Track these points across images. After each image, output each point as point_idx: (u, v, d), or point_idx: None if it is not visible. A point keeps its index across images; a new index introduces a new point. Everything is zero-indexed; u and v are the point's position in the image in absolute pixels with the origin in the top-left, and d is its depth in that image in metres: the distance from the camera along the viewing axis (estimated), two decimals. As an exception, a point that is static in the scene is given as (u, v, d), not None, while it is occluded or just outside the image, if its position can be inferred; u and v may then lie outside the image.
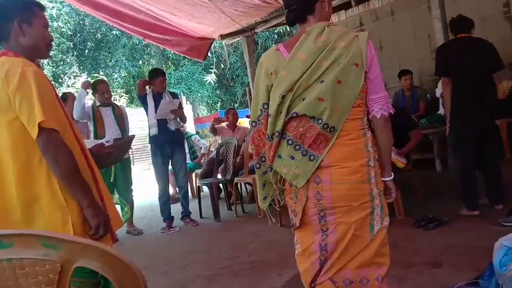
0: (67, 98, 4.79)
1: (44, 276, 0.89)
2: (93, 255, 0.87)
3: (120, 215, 4.57)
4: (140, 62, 15.82)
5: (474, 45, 3.35)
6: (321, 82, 1.48)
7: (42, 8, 1.67)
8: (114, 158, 2.12)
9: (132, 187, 4.75)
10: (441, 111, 5.14)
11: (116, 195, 4.47)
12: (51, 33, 1.72)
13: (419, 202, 4.04)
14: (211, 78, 14.60)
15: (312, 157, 1.51)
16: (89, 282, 1.38)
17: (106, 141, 3.18)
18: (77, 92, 14.60)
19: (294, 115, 1.51)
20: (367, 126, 1.55)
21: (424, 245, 2.98)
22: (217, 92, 16.39)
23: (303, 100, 1.50)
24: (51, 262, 0.89)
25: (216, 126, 5.88)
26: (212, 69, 14.65)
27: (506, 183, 3.47)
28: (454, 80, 3.34)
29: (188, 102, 14.68)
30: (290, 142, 1.54)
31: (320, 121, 1.49)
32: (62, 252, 0.88)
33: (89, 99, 5.00)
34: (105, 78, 12.53)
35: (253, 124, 1.66)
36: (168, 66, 16.34)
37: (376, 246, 1.54)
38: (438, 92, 5.04)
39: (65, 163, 1.45)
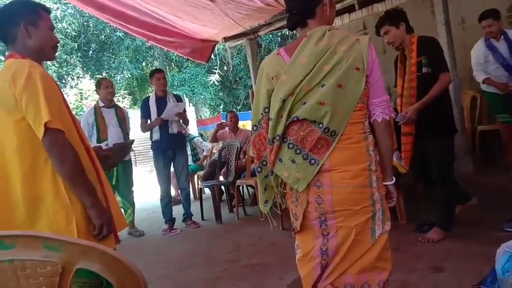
0: None
1: (45, 278, 0.90)
2: (94, 257, 0.87)
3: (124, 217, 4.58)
4: (143, 64, 15.86)
5: None
6: (322, 86, 1.48)
7: (47, 10, 1.69)
8: (112, 162, 2.13)
9: (133, 189, 4.76)
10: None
11: (118, 198, 4.48)
12: (56, 35, 1.74)
13: (422, 207, 4.03)
14: (214, 78, 14.61)
15: (312, 161, 1.51)
16: (92, 282, 1.38)
17: (105, 145, 3.20)
18: (80, 93, 14.59)
19: (295, 119, 1.51)
20: (368, 130, 1.55)
21: (426, 250, 2.97)
22: (220, 94, 16.40)
23: (303, 104, 1.51)
24: (53, 264, 0.89)
25: (219, 132, 5.86)
26: (215, 71, 14.66)
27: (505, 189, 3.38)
28: None
29: (191, 104, 14.71)
30: (291, 146, 1.54)
31: (321, 125, 1.49)
32: (63, 254, 0.88)
33: (92, 100, 5.04)
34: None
35: (255, 128, 1.66)
36: (171, 68, 16.38)
37: (377, 250, 1.54)
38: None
39: (69, 163, 1.46)
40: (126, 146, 2.62)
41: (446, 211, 3.14)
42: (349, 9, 5.56)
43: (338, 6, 5.23)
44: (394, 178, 1.65)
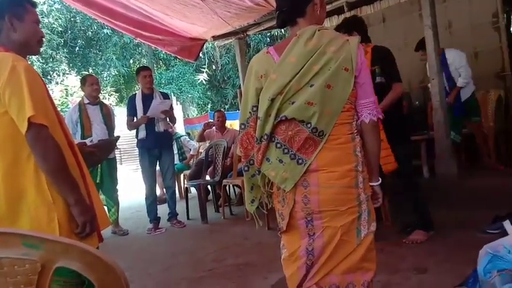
0: None
1: (23, 276, 0.87)
2: (74, 255, 0.85)
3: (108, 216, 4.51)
4: (131, 61, 15.73)
5: None
6: (311, 86, 1.48)
7: (33, 4, 1.67)
8: (97, 158, 2.10)
9: (118, 187, 4.71)
10: None
11: (102, 196, 4.42)
12: (42, 30, 1.71)
13: (406, 208, 4.06)
14: (203, 77, 14.55)
15: (300, 161, 1.51)
16: (73, 281, 1.35)
17: (90, 141, 3.15)
18: (66, 89, 14.37)
19: (283, 118, 1.51)
20: (355, 131, 1.55)
21: (410, 250, 3.00)
22: (208, 93, 16.35)
23: (292, 104, 1.50)
24: (31, 262, 0.87)
25: (206, 131, 5.84)
26: (204, 70, 14.60)
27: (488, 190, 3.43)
28: None
29: (178, 102, 14.61)
30: (279, 145, 1.54)
31: (309, 125, 1.48)
32: (43, 252, 0.86)
33: (78, 97, 4.98)
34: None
35: (242, 126, 1.65)
36: (159, 66, 16.28)
37: (362, 251, 1.54)
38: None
39: (53, 159, 1.44)
40: (111, 142, 2.58)
41: (421, 212, 3.20)
42: (338, 11, 5.59)
43: (327, 7, 5.24)
44: (380, 179, 1.65)
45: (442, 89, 4.49)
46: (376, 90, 2.88)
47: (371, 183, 1.61)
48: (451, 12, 5.44)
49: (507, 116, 5.08)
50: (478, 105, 4.77)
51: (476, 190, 3.96)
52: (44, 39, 1.72)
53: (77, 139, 4.26)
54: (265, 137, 1.54)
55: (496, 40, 5.17)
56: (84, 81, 4.58)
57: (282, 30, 9.39)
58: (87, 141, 3.81)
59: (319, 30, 1.53)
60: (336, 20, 5.69)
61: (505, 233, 1.98)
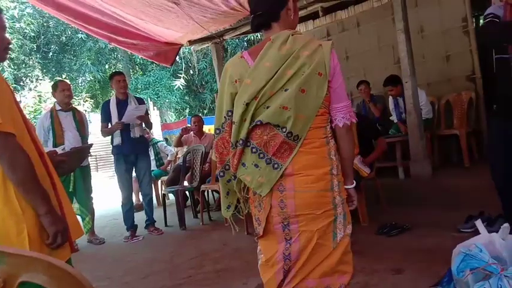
0: None
1: (-15, 293, 0.83)
2: (39, 268, 0.82)
3: (81, 225, 4.40)
4: (106, 67, 15.48)
5: None
6: (285, 90, 1.48)
7: None
8: (69, 167, 2.03)
9: (92, 195, 4.61)
10: (393, 117, 5.39)
11: (76, 205, 4.31)
12: (12, 35, 1.66)
13: (383, 209, 4.13)
14: (180, 83, 14.45)
15: (275, 165, 1.50)
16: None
17: (61, 150, 3.06)
18: (39, 95, 14.01)
19: (258, 123, 1.50)
20: (330, 135, 1.56)
21: (386, 251, 3.03)
22: (186, 98, 16.24)
23: (267, 108, 1.50)
24: (-7, 277, 0.83)
25: (184, 136, 5.78)
26: (181, 74, 14.50)
27: (462, 190, 3.53)
28: None
29: (156, 108, 14.45)
30: (254, 150, 1.53)
31: (284, 129, 1.48)
32: (5, 267, 0.82)
33: (51, 103, 4.86)
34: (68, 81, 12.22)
35: (217, 131, 1.64)
36: (135, 71, 16.09)
37: (339, 254, 1.55)
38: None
39: (21, 168, 1.39)
40: (83, 150, 2.51)
41: None
42: (314, 16, 5.66)
43: (302, 12, 5.31)
44: (354, 182, 1.67)
45: (416, 92, 4.60)
46: None
47: (346, 186, 1.62)
48: (422, 17, 5.57)
49: (478, 117, 5.23)
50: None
51: (450, 190, 4.06)
52: (11, 46, 1.66)
53: (48, 147, 4.14)
54: (241, 142, 1.53)
55: (466, 44, 5.32)
56: (55, 87, 4.46)
57: (259, 34, 9.44)
58: (59, 149, 3.71)
59: (292, 35, 1.54)
60: (311, 25, 5.77)
61: (477, 232, 2.02)
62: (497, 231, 1.96)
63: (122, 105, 4.50)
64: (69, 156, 2.02)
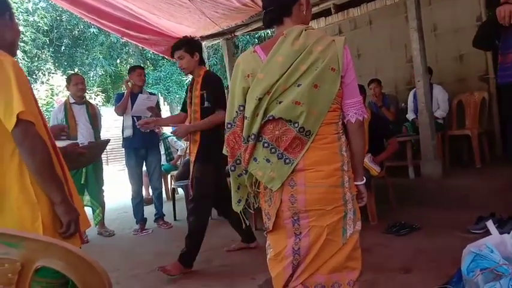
0: None
1: (2, 276, 0.85)
2: (55, 254, 0.83)
3: (92, 217, 4.44)
4: (118, 61, 15.59)
5: None
6: (298, 86, 1.48)
7: None
8: (87, 160, 2.07)
9: (104, 188, 4.65)
10: (409, 115, 5.31)
11: (87, 197, 4.36)
12: (26, 28, 1.72)
13: (392, 208, 4.11)
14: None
15: (287, 160, 1.51)
16: (57, 282, 1.33)
17: (80, 143, 3.11)
18: (51, 89, 14.17)
19: (271, 118, 1.51)
20: (341, 131, 1.56)
21: (395, 250, 3.02)
22: (196, 93, 16.25)
23: (279, 103, 1.50)
24: (11, 261, 0.85)
25: None
26: (191, 70, 14.51)
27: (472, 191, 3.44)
28: None
29: (166, 103, 14.52)
30: (266, 145, 1.54)
31: (296, 125, 1.49)
32: (24, 251, 0.84)
33: (63, 97, 4.91)
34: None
35: (229, 126, 1.65)
36: (146, 66, 16.14)
37: (348, 250, 1.55)
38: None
39: (40, 156, 1.41)
40: (102, 144, 2.55)
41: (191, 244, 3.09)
42: (326, 13, 5.62)
43: (315, 9, 5.27)
44: (364, 178, 1.66)
45: (428, 91, 4.55)
46: (205, 114, 3.04)
47: (356, 183, 1.62)
48: (436, 15, 5.51)
49: (490, 117, 5.17)
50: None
51: (461, 191, 4.02)
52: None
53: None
54: (253, 137, 1.54)
55: (480, 43, 5.24)
56: (69, 80, 4.53)
57: (270, 31, 9.41)
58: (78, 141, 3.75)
59: (305, 30, 1.53)
60: (323, 22, 5.73)
61: (488, 233, 2.01)
62: (508, 233, 1.94)
63: (135, 97, 4.52)
64: (88, 149, 2.06)
